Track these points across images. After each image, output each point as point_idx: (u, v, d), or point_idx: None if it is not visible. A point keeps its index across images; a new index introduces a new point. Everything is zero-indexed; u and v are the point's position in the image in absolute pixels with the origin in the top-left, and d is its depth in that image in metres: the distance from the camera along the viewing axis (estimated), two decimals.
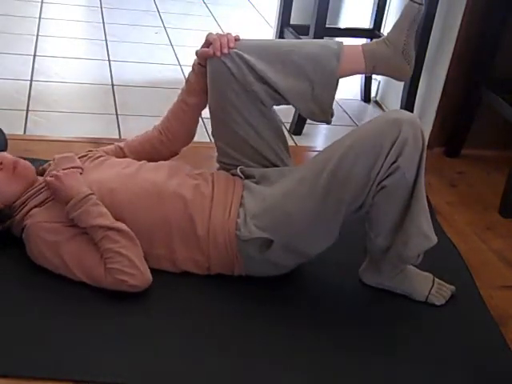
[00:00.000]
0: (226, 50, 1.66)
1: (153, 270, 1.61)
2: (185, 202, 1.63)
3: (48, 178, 1.64)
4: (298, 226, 1.58)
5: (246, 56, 1.67)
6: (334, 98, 1.73)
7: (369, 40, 3.04)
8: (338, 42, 1.73)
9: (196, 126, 1.87)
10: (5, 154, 1.75)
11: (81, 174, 1.70)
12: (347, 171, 1.51)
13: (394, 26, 1.73)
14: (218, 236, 1.62)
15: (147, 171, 1.71)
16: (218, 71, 1.68)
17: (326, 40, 1.81)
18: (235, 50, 1.67)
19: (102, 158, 1.80)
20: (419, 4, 1.70)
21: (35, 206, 1.67)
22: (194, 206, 1.63)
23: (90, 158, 1.81)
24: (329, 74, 1.69)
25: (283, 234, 1.58)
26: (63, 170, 1.68)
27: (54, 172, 1.65)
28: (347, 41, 1.81)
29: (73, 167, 1.71)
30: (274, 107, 1.78)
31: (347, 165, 1.51)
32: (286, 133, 1.84)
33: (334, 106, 1.74)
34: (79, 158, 1.80)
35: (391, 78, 1.79)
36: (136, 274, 1.56)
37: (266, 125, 1.74)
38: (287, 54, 1.70)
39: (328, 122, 1.77)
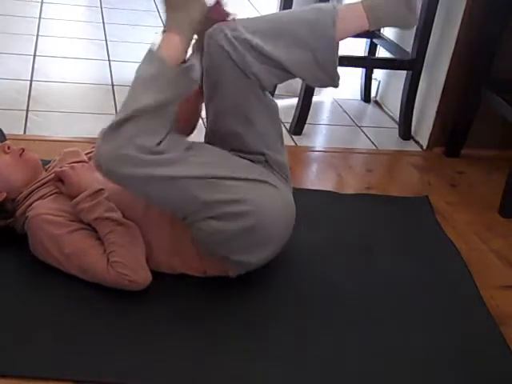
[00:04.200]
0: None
1: (153, 270, 1.62)
2: None
3: (59, 169, 1.67)
4: None
5: (241, 34, 1.59)
6: (337, 60, 1.65)
7: (369, 39, 3.05)
8: (334, 4, 1.66)
9: (198, 116, 1.80)
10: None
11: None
12: None
13: None
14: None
15: None
16: (217, 57, 1.60)
17: (320, 4, 1.71)
18: (232, 32, 1.58)
19: None
20: None
21: (38, 199, 1.68)
22: None
23: None
24: (329, 38, 1.62)
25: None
26: (69, 163, 1.71)
27: (68, 164, 1.69)
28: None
29: (79, 161, 1.73)
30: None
31: None
32: (285, 133, 1.82)
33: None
34: (86, 154, 1.82)
35: (398, 28, 1.72)
36: (138, 270, 1.57)
37: (261, 112, 1.68)
38: (284, 25, 1.64)
39: (336, 86, 1.70)
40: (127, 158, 1.43)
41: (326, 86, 1.74)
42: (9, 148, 1.71)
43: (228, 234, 1.55)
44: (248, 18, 1.67)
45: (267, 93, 1.71)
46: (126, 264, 1.55)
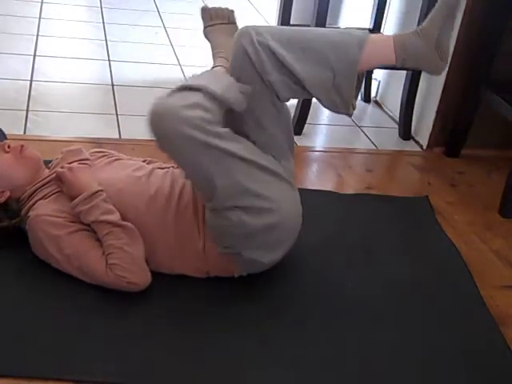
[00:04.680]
0: None
1: (152, 271, 1.62)
2: (190, 213, 1.63)
3: (59, 169, 1.67)
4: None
5: (266, 41, 1.58)
6: (354, 89, 1.62)
7: None
8: (364, 31, 1.64)
9: None
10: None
11: (89, 165, 1.73)
12: None
13: (429, 18, 1.63)
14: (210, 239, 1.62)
15: (157, 178, 1.71)
16: (239, 59, 1.60)
17: (351, 29, 1.68)
18: (257, 36, 1.57)
19: (114, 157, 1.82)
20: None
21: (40, 199, 1.68)
22: (199, 215, 1.64)
23: (105, 155, 1.84)
24: (350, 63, 1.59)
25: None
26: (70, 163, 1.71)
27: (67, 165, 1.68)
28: None
29: (80, 159, 1.73)
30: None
31: None
32: None
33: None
34: (94, 152, 1.83)
35: (423, 71, 1.70)
36: (137, 271, 1.57)
37: (274, 118, 1.69)
38: (309, 41, 1.62)
39: (349, 115, 1.68)
40: (189, 118, 1.43)
41: (339, 113, 1.69)
42: (9, 147, 1.71)
43: (251, 228, 1.56)
44: (276, 26, 1.67)
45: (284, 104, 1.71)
46: (124, 266, 1.55)
